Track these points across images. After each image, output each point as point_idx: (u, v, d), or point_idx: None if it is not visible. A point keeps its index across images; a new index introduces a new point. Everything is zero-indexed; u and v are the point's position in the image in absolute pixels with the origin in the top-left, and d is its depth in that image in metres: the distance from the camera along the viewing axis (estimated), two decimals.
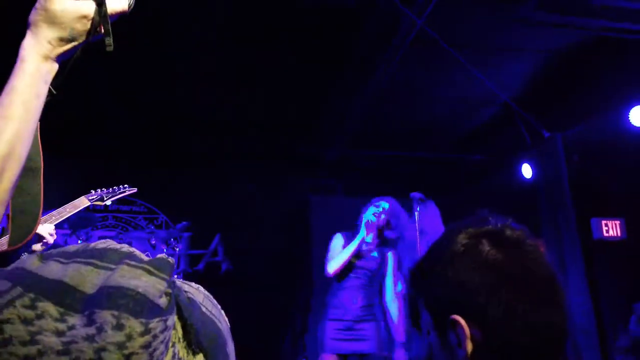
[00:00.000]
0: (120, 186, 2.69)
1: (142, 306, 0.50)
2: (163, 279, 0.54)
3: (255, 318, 6.28)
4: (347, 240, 3.55)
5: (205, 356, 0.59)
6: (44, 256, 0.55)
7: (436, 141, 5.98)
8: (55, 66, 0.91)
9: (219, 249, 5.45)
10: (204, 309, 0.61)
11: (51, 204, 2.45)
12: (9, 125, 0.84)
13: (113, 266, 0.53)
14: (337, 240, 3.57)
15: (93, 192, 2.57)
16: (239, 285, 6.03)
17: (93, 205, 2.54)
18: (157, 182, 5.98)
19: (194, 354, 0.58)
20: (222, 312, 0.67)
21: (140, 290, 0.51)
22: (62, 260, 0.54)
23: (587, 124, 5.00)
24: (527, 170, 5.72)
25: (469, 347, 0.83)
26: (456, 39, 4.34)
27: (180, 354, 0.56)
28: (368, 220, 3.55)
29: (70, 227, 4.41)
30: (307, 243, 6.85)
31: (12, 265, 0.54)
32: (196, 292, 0.64)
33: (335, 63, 4.82)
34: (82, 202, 2.46)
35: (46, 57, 0.88)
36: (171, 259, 0.58)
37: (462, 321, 0.83)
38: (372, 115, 5.54)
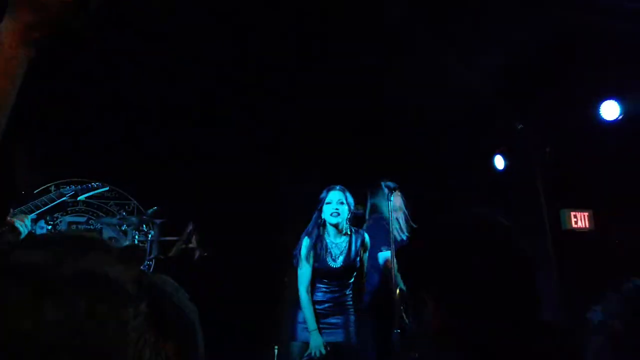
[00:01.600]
0: (93, 183, 2.77)
1: (114, 293, 0.49)
2: (134, 266, 0.53)
3: (229, 306, 6.27)
4: (312, 242, 3.50)
5: (175, 344, 0.58)
6: (11, 243, 0.54)
7: (407, 130, 6.01)
8: (33, 52, 0.87)
9: (192, 235, 5.40)
10: (174, 299, 0.61)
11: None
12: None
13: (85, 253, 0.52)
14: (305, 247, 3.52)
15: (67, 187, 2.63)
16: (212, 273, 6.00)
17: (67, 199, 2.58)
18: (129, 167, 5.88)
19: (165, 341, 0.57)
20: (191, 302, 0.67)
21: (111, 276, 0.50)
22: (32, 246, 0.53)
23: (559, 116, 5.09)
24: (499, 162, 5.81)
25: None
26: (429, 28, 4.36)
27: (151, 342, 0.55)
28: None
29: (37, 212, 4.29)
30: (280, 230, 6.84)
31: None
32: (165, 282, 0.63)
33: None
34: (59, 196, 2.50)
35: (25, 43, 0.84)
36: (142, 247, 0.57)
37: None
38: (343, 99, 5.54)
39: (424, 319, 0.92)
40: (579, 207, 4.97)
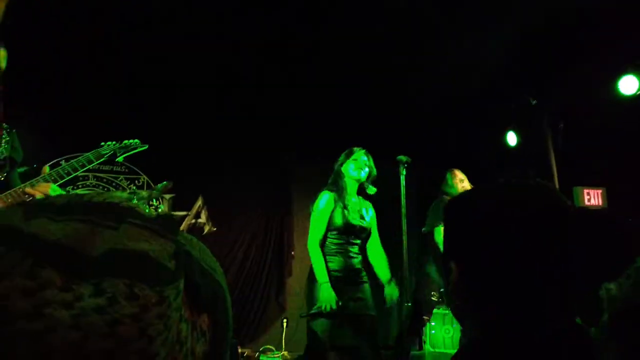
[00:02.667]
0: (131, 141, 2.45)
1: (155, 272, 0.45)
2: (171, 239, 0.49)
3: (236, 280, 6.31)
4: (332, 197, 3.34)
5: (208, 315, 0.55)
6: (27, 209, 0.48)
7: (421, 107, 5.93)
8: None
9: (201, 211, 5.39)
10: (202, 264, 0.56)
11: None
12: None
13: (116, 225, 0.47)
14: (328, 204, 3.29)
15: (104, 144, 2.33)
16: (220, 247, 6.02)
17: (105, 159, 2.31)
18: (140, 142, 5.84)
19: (199, 314, 0.54)
20: (217, 262, 0.62)
21: (150, 254, 0.45)
22: (53, 216, 0.47)
23: (574, 92, 5.00)
24: (512, 138, 5.73)
25: None
26: (443, 5, 4.26)
27: (186, 317, 0.52)
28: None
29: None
30: (288, 203, 6.84)
31: None
32: (192, 244, 0.58)
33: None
34: (97, 156, 2.23)
35: None
36: (176, 217, 0.53)
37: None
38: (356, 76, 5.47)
39: (451, 287, 0.91)
40: (593, 185, 4.89)
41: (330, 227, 3.30)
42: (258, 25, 4.84)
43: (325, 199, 3.33)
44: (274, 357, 5.98)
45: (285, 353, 6.12)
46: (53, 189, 2.03)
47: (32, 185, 2.01)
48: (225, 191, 6.12)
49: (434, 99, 5.76)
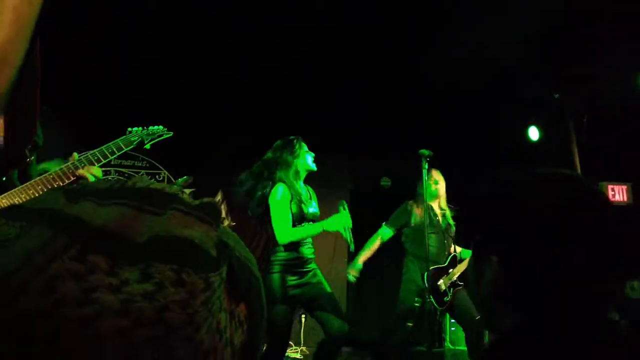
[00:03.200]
0: (156, 128, 2.38)
1: (200, 259, 0.44)
2: (213, 227, 0.48)
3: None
4: (290, 194, 3.31)
5: (245, 305, 0.54)
6: (68, 194, 0.48)
7: (443, 101, 5.87)
8: None
9: (221, 205, 5.41)
10: (237, 254, 0.56)
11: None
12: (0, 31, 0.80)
13: (161, 211, 0.46)
14: (284, 196, 3.26)
15: (131, 130, 2.29)
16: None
17: (135, 146, 2.26)
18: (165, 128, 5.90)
19: (237, 303, 0.53)
20: (250, 253, 0.61)
21: (195, 241, 0.45)
22: (97, 200, 0.46)
23: (598, 85, 4.89)
24: (534, 133, 5.65)
25: None
26: None
27: (225, 306, 0.51)
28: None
29: None
30: None
31: (34, 204, 0.46)
32: (227, 234, 0.58)
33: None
34: (126, 143, 2.18)
35: None
36: (218, 203, 0.52)
37: None
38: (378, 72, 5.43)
39: (486, 278, 0.88)
40: (617, 180, 4.79)
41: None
42: (282, 21, 4.84)
43: (281, 190, 3.29)
44: (293, 352, 5.98)
45: (304, 348, 6.13)
46: (99, 175, 2.02)
47: (75, 168, 1.97)
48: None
49: (455, 94, 5.70)
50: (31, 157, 2.04)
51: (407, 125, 5.99)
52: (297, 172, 3.43)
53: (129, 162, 5.98)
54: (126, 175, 5.97)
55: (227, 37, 5.06)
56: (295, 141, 3.54)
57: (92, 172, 2.00)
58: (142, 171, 6.07)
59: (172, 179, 6.03)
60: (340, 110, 6.20)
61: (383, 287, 6.81)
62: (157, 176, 6.16)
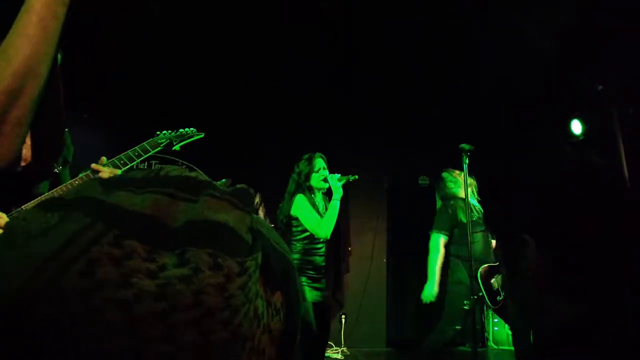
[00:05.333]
0: (187, 130, 2.36)
1: (235, 243, 0.45)
2: (248, 212, 0.48)
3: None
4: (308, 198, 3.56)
5: (280, 293, 0.54)
6: (104, 183, 0.49)
7: (482, 98, 5.76)
8: (65, 10, 0.87)
9: (259, 207, 5.47)
10: (273, 243, 0.56)
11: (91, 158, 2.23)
12: (26, 44, 0.83)
13: (195, 197, 0.47)
14: (305, 201, 3.52)
15: (160, 133, 2.28)
16: None
17: (162, 148, 2.23)
18: (198, 141, 6.00)
19: (273, 291, 0.53)
20: (284, 242, 0.61)
21: (230, 224, 0.45)
22: (132, 189, 0.47)
23: None
24: (577, 126, 5.48)
25: None
26: None
27: (262, 293, 0.51)
28: (326, 177, 3.59)
29: None
30: (344, 200, 6.82)
31: (72, 193, 0.48)
32: (260, 223, 0.57)
33: None
34: (153, 145, 2.17)
35: (57, 1, 0.85)
36: (252, 189, 0.52)
37: None
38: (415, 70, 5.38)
39: (523, 262, 0.85)
40: None
41: (303, 227, 3.50)
42: (317, 21, 4.85)
43: (299, 199, 3.53)
44: (334, 353, 5.98)
45: (345, 349, 6.12)
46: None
47: (96, 174, 2.00)
48: (282, 189, 6.18)
49: (496, 89, 5.59)
50: (59, 169, 2.08)
51: (446, 123, 5.91)
52: (311, 189, 3.63)
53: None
54: None
55: (266, 43, 5.11)
56: (308, 159, 3.72)
57: (112, 173, 2.00)
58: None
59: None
60: (378, 109, 6.18)
61: (422, 287, 6.73)
62: None
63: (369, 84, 5.83)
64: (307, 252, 3.50)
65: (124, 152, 2.11)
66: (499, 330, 6.05)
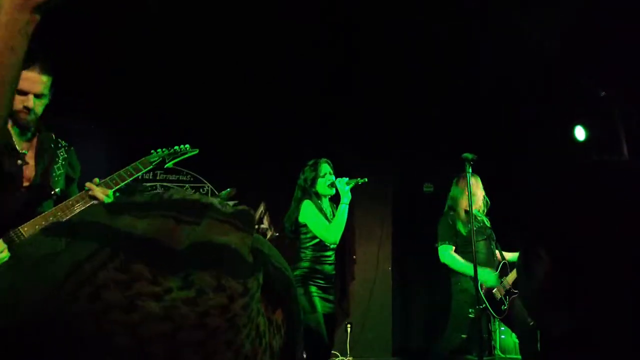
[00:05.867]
0: (181, 147, 2.46)
1: (237, 264, 0.46)
2: (249, 233, 0.50)
3: None
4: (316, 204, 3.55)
5: (282, 309, 0.55)
6: (110, 207, 0.51)
7: (485, 105, 5.77)
8: (36, 17, 0.82)
9: (264, 217, 5.48)
10: (273, 261, 0.58)
11: (97, 173, 2.30)
12: None
13: (198, 220, 0.49)
14: (312, 207, 3.51)
15: (154, 152, 2.37)
16: (282, 252, 6.08)
17: (154, 167, 2.33)
18: (203, 151, 6.03)
19: (274, 309, 0.55)
20: (285, 261, 0.63)
21: (232, 246, 0.47)
22: (137, 213, 0.49)
23: None
24: (580, 132, 5.48)
25: None
26: None
27: (263, 311, 0.53)
28: (333, 182, 3.59)
29: (120, 194, 4.44)
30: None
31: (78, 219, 0.50)
32: (261, 242, 0.59)
33: None
34: (144, 164, 2.27)
35: (22, 7, 0.80)
36: (252, 210, 0.54)
37: None
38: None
39: (535, 277, 0.85)
40: None
41: (312, 234, 3.49)
42: (322, 27, 4.89)
43: (306, 204, 3.53)
44: None
45: (351, 358, 6.10)
46: (110, 196, 2.12)
47: (88, 192, 2.09)
48: (287, 197, 6.20)
49: (497, 95, 5.60)
50: (58, 190, 2.16)
51: (450, 130, 5.91)
52: (317, 195, 3.63)
53: (173, 177, 6.15)
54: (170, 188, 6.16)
55: (270, 48, 5.14)
56: (313, 165, 3.72)
57: (106, 194, 2.11)
58: (187, 185, 6.22)
59: (216, 192, 6.16)
60: (382, 115, 6.19)
61: (428, 295, 6.72)
62: (201, 189, 6.31)
63: (373, 90, 5.84)
64: (316, 260, 3.47)
65: (117, 171, 2.22)
66: (505, 339, 6.02)
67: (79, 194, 2.14)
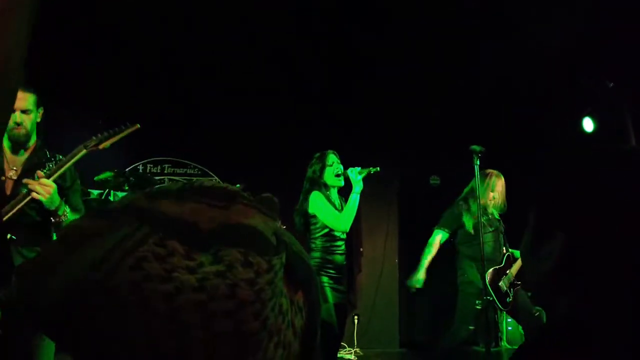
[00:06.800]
0: (121, 126, 2.37)
1: (263, 244, 0.50)
2: (273, 218, 0.54)
3: None
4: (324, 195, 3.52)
5: (303, 293, 0.59)
6: (147, 194, 0.55)
7: (493, 96, 5.76)
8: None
9: None
10: (294, 249, 0.61)
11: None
12: None
13: (226, 204, 0.53)
14: (321, 197, 3.48)
15: (93, 137, 2.32)
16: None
17: (91, 152, 2.28)
18: (210, 144, 6.08)
19: (295, 291, 0.58)
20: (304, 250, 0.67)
21: (258, 228, 0.51)
22: (172, 199, 0.54)
23: None
24: (588, 124, 5.46)
25: None
26: None
27: (285, 292, 0.56)
28: (341, 172, 3.58)
29: (130, 188, 4.49)
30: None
31: (118, 204, 0.54)
32: (282, 231, 0.63)
33: None
34: (79, 151, 2.25)
35: None
36: (275, 198, 0.58)
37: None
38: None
39: (545, 259, 0.87)
40: None
41: (322, 224, 3.47)
42: (329, 24, 4.90)
43: (314, 195, 3.48)
44: (347, 353, 6.02)
45: (358, 349, 6.15)
46: (48, 183, 2.14)
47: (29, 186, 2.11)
48: (293, 190, 6.23)
49: (504, 87, 5.59)
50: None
51: (456, 122, 5.91)
52: (326, 186, 3.59)
53: (181, 170, 6.21)
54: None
55: (278, 43, 5.16)
56: (320, 156, 3.69)
57: (41, 184, 2.12)
58: (195, 178, 6.28)
59: None
60: (388, 108, 6.20)
61: (435, 288, 6.74)
62: None
63: (378, 83, 5.85)
64: (327, 250, 3.47)
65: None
66: (512, 330, 6.05)
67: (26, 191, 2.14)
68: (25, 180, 2.14)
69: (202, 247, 0.49)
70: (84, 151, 2.25)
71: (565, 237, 0.86)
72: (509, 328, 6.10)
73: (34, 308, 0.45)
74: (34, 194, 2.10)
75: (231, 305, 0.46)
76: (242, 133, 6.01)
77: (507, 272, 4.00)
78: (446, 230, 4.18)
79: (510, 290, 3.96)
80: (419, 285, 4.06)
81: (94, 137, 2.31)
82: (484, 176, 4.14)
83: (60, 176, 2.22)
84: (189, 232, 0.50)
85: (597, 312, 0.80)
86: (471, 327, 3.94)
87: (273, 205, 0.56)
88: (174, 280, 0.46)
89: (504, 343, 6.06)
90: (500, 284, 3.97)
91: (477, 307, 3.88)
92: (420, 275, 4.10)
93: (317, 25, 4.94)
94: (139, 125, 2.42)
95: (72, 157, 2.24)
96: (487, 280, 3.85)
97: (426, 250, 4.17)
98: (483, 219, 3.84)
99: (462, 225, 4.09)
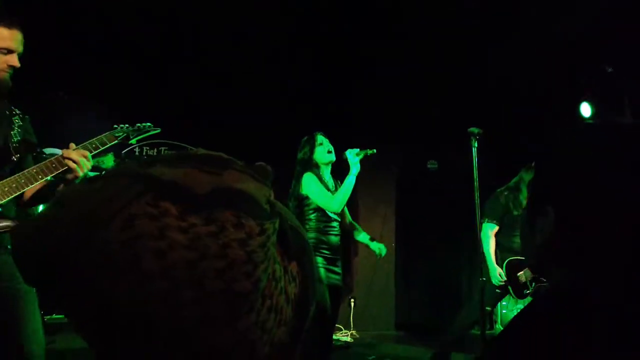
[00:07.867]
0: (144, 124, 2.35)
1: (255, 209, 0.51)
2: (266, 185, 0.54)
3: None
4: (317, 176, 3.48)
5: (297, 264, 0.59)
6: (140, 162, 0.56)
7: (490, 80, 5.74)
8: None
9: None
10: (289, 220, 0.61)
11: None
12: None
13: (220, 170, 0.54)
14: (314, 177, 3.44)
15: (117, 127, 2.29)
16: None
17: (119, 142, 2.22)
18: (211, 144, 6.03)
19: (289, 261, 0.58)
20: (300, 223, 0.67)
21: (251, 192, 0.51)
22: (167, 164, 0.54)
23: None
24: (586, 109, 5.45)
25: None
26: None
27: (279, 260, 0.56)
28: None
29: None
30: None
31: (113, 169, 0.54)
32: (277, 204, 0.63)
33: None
34: (110, 139, 2.18)
35: None
36: (269, 167, 0.58)
37: None
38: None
39: (539, 232, 0.88)
40: None
41: (315, 205, 3.43)
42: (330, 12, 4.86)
43: (307, 176, 3.44)
44: (343, 336, 6.07)
45: (354, 332, 6.21)
46: (88, 158, 2.02)
47: (62, 159, 1.99)
48: (289, 176, 6.22)
49: (503, 71, 5.57)
50: (17, 157, 2.05)
51: (454, 106, 5.90)
52: (317, 166, 3.55)
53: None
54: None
55: (274, 35, 5.13)
56: (308, 138, 3.64)
57: (82, 155, 2.00)
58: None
59: None
60: (385, 93, 6.18)
61: (431, 271, 6.79)
62: None
63: (376, 68, 5.82)
64: (321, 230, 3.43)
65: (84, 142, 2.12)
66: (506, 313, 6.11)
67: (47, 161, 2.02)
68: (70, 152, 1.99)
69: (194, 209, 0.49)
70: (115, 141, 2.20)
71: (555, 211, 0.86)
72: (504, 311, 6.15)
73: (25, 264, 0.45)
74: (74, 165, 1.96)
75: (222, 264, 0.47)
76: (242, 133, 5.98)
77: (529, 265, 4.03)
78: (495, 222, 4.16)
79: (530, 284, 3.99)
80: (503, 278, 4.04)
81: (117, 127, 2.27)
82: (529, 169, 4.13)
83: (28, 134, 2.13)
84: (182, 194, 0.50)
85: (596, 280, 0.81)
86: (488, 308, 4.04)
87: (266, 173, 0.56)
88: (166, 239, 0.46)
89: (498, 326, 6.12)
90: (519, 274, 4.00)
91: (498, 290, 4.01)
92: (497, 271, 4.08)
93: (317, 25, 4.91)
94: (159, 130, 2.42)
95: (102, 144, 2.13)
96: (504, 267, 3.99)
97: (484, 246, 4.12)
98: (519, 212, 3.94)
99: (506, 214, 4.11)
